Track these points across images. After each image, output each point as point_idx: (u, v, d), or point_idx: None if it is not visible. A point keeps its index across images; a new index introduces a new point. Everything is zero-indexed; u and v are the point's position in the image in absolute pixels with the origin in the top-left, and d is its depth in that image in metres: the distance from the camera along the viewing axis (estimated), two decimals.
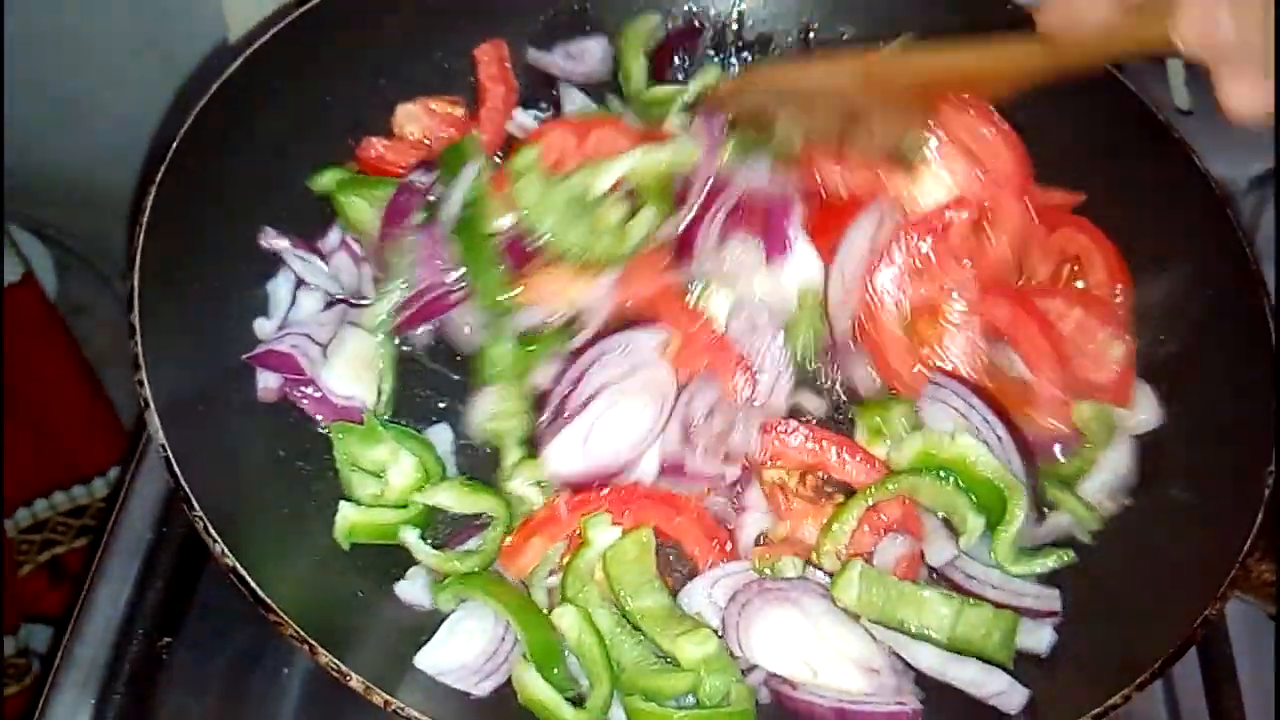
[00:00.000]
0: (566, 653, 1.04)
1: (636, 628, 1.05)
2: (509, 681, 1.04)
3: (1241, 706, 1.13)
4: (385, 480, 1.11)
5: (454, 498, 1.11)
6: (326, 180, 1.29)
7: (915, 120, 1.18)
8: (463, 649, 1.03)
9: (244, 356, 1.14)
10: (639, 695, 1.01)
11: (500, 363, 1.19)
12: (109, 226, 2.12)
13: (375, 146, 1.34)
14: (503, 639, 1.05)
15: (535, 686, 1.00)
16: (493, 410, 1.18)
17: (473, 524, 1.13)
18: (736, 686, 1.02)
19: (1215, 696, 1.14)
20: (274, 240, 1.22)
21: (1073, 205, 1.31)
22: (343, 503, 1.09)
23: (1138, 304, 1.24)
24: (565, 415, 1.13)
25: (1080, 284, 1.27)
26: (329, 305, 1.22)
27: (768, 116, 1.23)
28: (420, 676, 1.01)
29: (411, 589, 1.08)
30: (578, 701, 1.02)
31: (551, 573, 1.10)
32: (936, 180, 1.25)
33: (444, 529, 1.14)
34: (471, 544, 1.11)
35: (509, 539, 1.10)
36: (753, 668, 1.05)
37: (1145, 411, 1.18)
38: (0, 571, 2.06)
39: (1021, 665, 1.05)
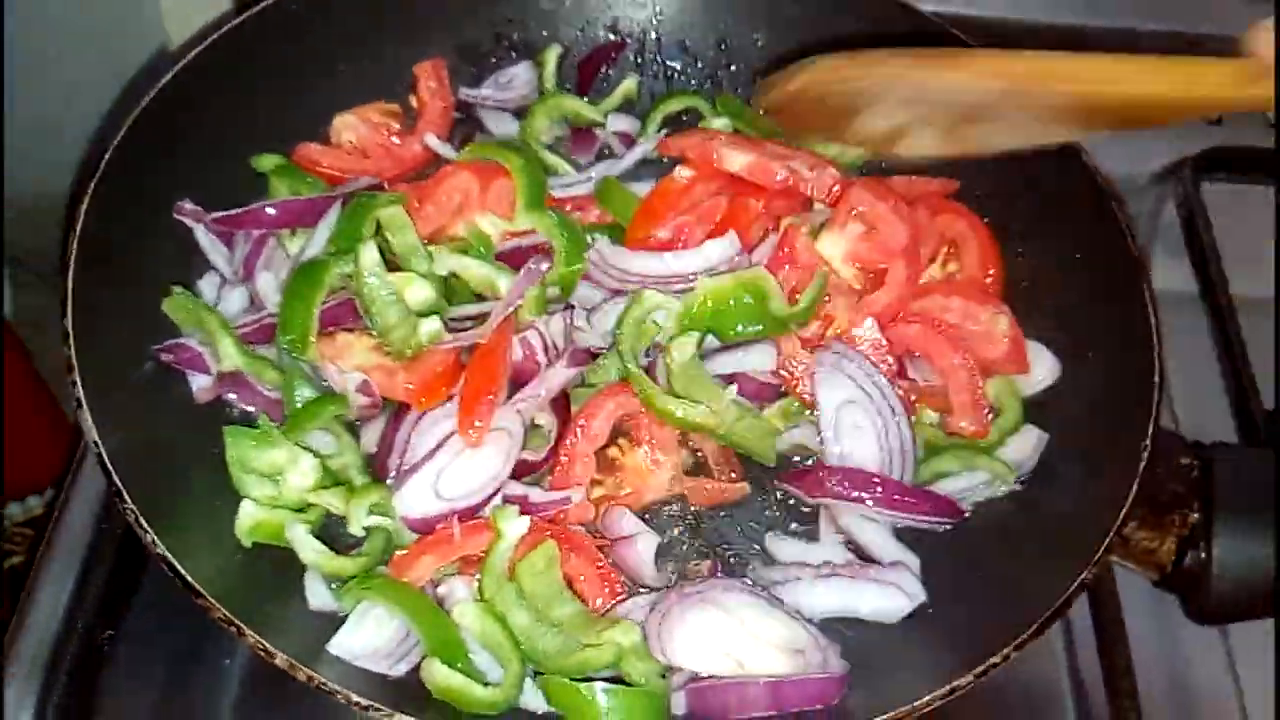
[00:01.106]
0: (472, 645, 1.06)
1: (556, 625, 1.07)
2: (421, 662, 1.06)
3: (1131, 668, 1.19)
4: (283, 482, 1.12)
5: (336, 503, 1.12)
6: (266, 163, 1.34)
7: (1056, 131, 1.03)
8: (373, 635, 1.05)
9: (153, 348, 1.17)
10: (561, 675, 1.03)
11: (299, 408, 1.17)
12: (61, 239, 2.14)
13: (310, 151, 1.38)
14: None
15: (442, 675, 1.01)
16: (325, 450, 1.18)
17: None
18: (646, 671, 1.05)
19: (1107, 656, 1.20)
20: (187, 211, 1.26)
21: (948, 192, 1.39)
22: (245, 501, 1.10)
23: (1025, 292, 1.31)
24: (411, 465, 1.13)
25: (954, 266, 1.36)
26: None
27: (855, 105, 1.10)
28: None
29: (316, 595, 1.10)
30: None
31: (436, 584, 1.11)
32: (834, 242, 1.31)
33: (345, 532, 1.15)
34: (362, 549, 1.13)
35: (401, 551, 1.11)
36: (674, 672, 1.07)
37: (1043, 369, 1.27)
38: None
39: (911, 619, 1.12)
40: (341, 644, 1.04)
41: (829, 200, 1.32)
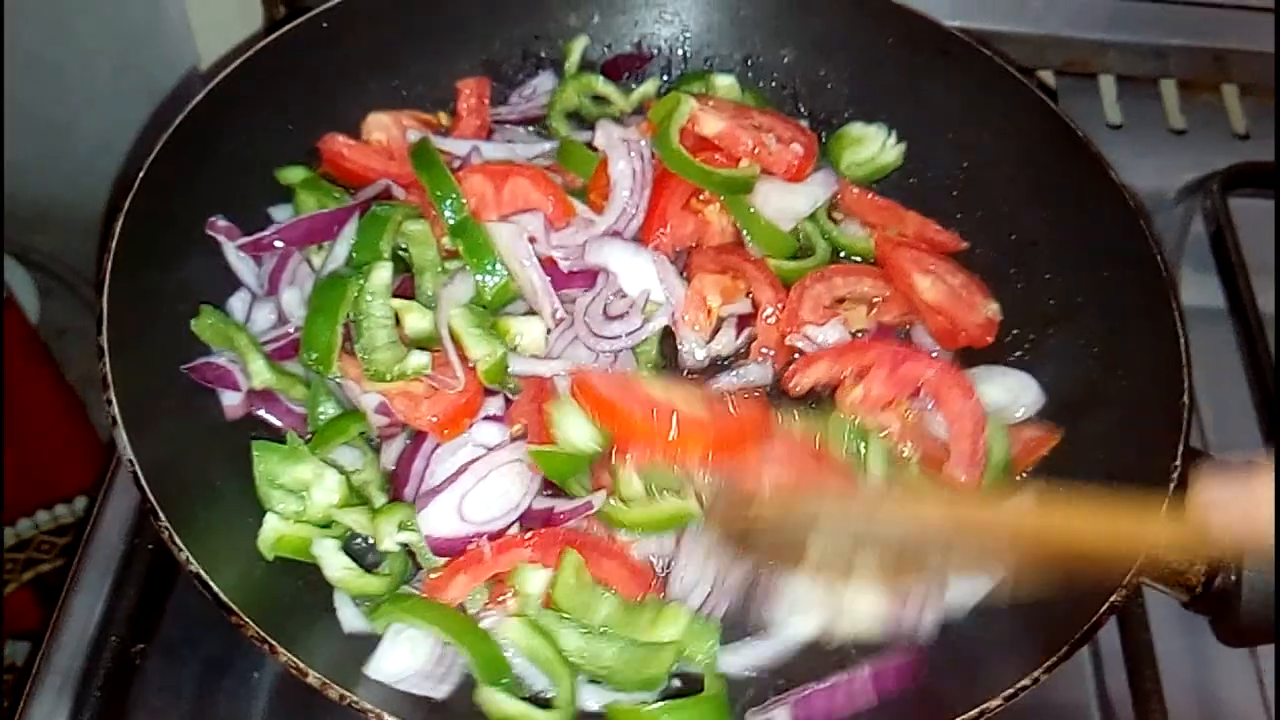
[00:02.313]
0: (514, 660, 1.07)
1: (604, 633, 1.08)
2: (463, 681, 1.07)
3: (1160, 689, 1.18)
4: (308, 498, 1.13)
5: (361, 521, 1.13)
6: (292, 175, 1.35)
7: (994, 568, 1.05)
8: (409, 656, 1.05)
9: (183, 367, 1.18)
10: (626, 691, 1.05)
11: (324, 425, 1.18)
12: (89, 250, 2.17)
13: (337, 144, 1.38)
14: (446, 643, 1.07)
15: (501, 703, 1.02)
16: (350, 465, 1.18)
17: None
18: (709, 662, 1.07)
19: (1136, 679, 1.20)
20: (219, 228, 1.27)
21: (956, 249, 1.42)
22: (269, 515, 1.11)
23: (1057, 309, 1.31)
24: (433, 488, 1.13)
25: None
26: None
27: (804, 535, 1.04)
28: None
29: (348, 619, 1.10)
30: (544, 704, 1.05)
31: (486, 605, 1.12)
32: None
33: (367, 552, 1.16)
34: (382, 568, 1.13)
35: (435, 574, 1.11)
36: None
37: (1028, 397, 1.28)
38: None
39: (940, 647, 1.11)
40: (379, 668, 1.04)
41: (787, 176, 1.36)
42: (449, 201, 1.27)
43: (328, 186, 1.35)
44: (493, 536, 1.11)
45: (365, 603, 1.11)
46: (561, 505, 1.16)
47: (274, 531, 1.11)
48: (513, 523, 1.13)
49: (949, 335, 1.35)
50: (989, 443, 1.23)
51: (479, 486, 1.12)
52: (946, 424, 1.25)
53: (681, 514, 1.15)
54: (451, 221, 1.27)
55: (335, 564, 1.10)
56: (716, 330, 1.32)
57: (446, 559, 1.12)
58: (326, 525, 1.14)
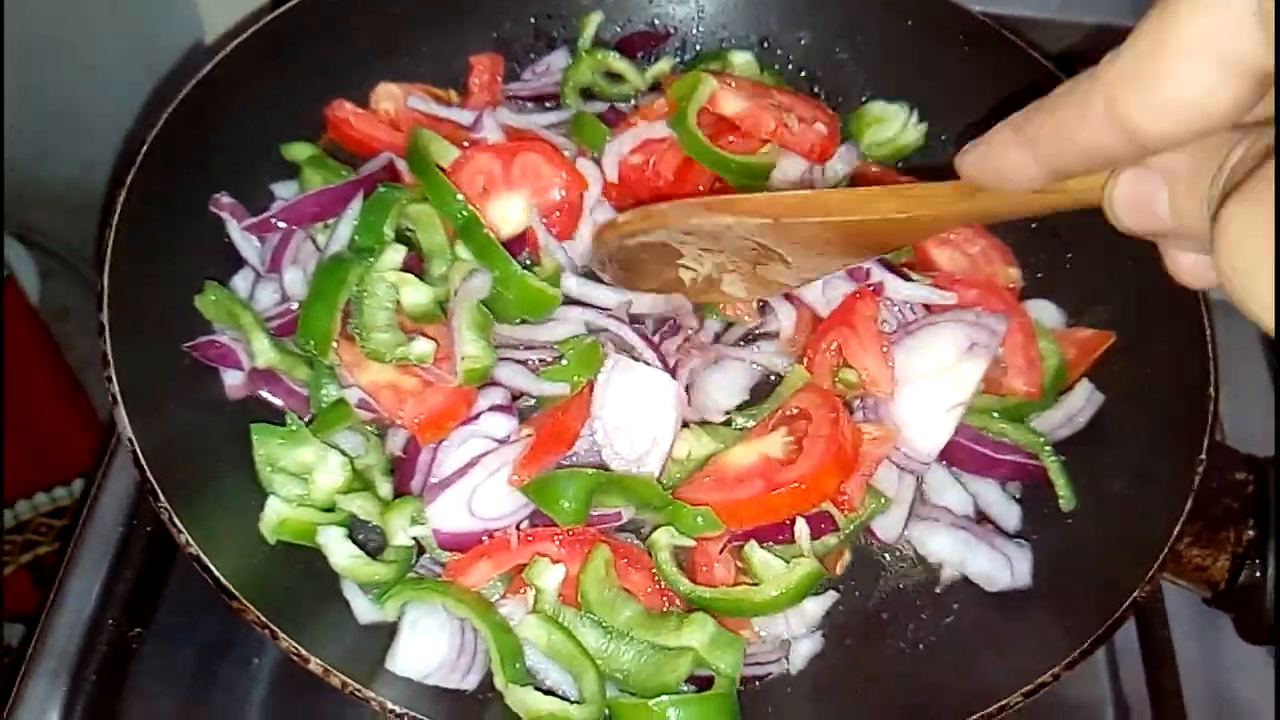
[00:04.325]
0: (527, 653, 1.04)
1: (625, 635, 1.05)
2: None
3: (1179, 686, 1.17)
4: (311, 481, 1.10)
5: (367, 507, 1.10)
6: (298, 151, 1.32)
7: (831, 264, 1.07)
8: (430, 648, 1.02)
9: (185, 345, 1.15)
10: (639, 695, 1.01)
11: (327, 408, 1.15)
12: (91, 230, 2.15)
13: (345, 110, 1.35)
14: (462, 630, 1.05)
15: (535, 700, 0.99)
16: (352, 450, 1.15)
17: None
18: (730, 661, 1.03)
19: (1154, 676, 1.18)
20: (223, 205, 1.25)
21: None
22: (271, 497, 1.08)
23: (1077, 306, 1.28)
24: (443, 480, 1.09)
25: None
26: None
27: (668, 257, 1.12)
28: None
29: (360, 607, 1.07)
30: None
31: (504, 595, 1.09)
32: None
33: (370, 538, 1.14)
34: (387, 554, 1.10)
35: (458, 556, 1.08)
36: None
37: (1085, 406, 1.23)
38: None
39: (963, 641, 1.10)
40: (402, 663, 1.02)
41: (811, 157, 1.33)
42: (449, 208, 1.22)
43: (334, 164, 1.32)
44: (495, 533, 1.08)
45: (373, 590, 1.08)
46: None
47: (276, 515, 1.08)
48: (523, 520, 1.10)
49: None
50: (1042, 351, 1.22)
51: (490, 481, 1.08)
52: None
53: (815, 575, 1.08)
54: (457, 223, 1.23)
55: (342, 552, 1.07)
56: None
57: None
58: (330, 509, 1.11)
